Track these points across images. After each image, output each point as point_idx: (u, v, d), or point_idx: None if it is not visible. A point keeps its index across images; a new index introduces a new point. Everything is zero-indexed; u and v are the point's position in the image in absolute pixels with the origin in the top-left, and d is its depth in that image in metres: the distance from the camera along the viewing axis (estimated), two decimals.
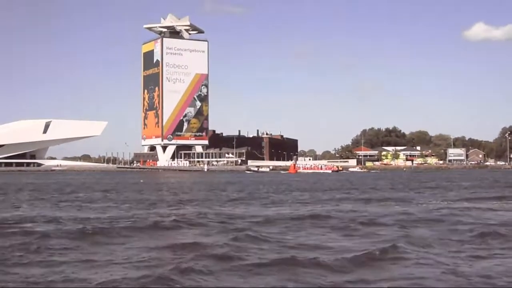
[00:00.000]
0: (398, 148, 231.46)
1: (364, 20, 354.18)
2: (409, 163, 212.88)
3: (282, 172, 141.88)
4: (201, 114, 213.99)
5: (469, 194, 36.74)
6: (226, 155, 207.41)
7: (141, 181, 71.80)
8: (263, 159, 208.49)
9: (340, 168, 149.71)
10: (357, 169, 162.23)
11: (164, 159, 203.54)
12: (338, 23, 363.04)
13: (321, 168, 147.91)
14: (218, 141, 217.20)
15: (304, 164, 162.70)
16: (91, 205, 28.24)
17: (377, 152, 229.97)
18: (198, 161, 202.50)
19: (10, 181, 72.15)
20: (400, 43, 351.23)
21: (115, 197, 35.81)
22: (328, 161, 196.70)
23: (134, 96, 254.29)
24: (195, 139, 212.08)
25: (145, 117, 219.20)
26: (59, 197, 35.99)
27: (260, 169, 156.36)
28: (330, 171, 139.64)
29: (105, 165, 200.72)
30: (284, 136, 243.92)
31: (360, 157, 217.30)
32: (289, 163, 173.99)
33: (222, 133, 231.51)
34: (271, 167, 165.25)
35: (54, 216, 21.54)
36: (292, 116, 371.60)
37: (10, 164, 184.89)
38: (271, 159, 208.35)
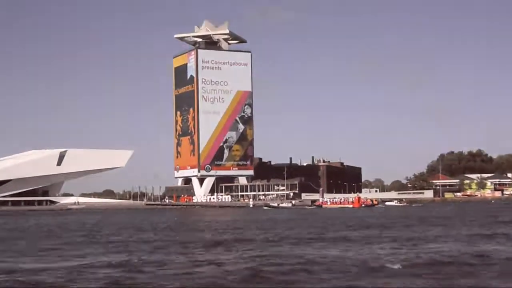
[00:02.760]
0: (485, 175, 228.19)
1: (439, 29, 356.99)
2: (498, 193, 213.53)
3: (308, 207, 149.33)
4: (244, 140, 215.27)
5: None
6: (276, 187, 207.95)
7: (176, 219, 75.23)
8: (319, 191, 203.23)
9: (375, 202, 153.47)
10: (394, 203, 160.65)
11: (201, 194, 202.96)
12: (410, 29, 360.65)
13: (350, 203, 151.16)
14: (266, 171, 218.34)
15: (331, 198, 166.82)
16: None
17: (458, 180, 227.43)
18: (242, 196, 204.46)
19: (13, 224, 71.74)
20: (481, 55, 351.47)
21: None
22: (398, 193, 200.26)
23: (165, 120, 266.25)
24: (238, 169, 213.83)
25: (178, 144, 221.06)
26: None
27: (281, 205, 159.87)
28: (357, 207, 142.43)
29: (131, 201, 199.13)
30: (345, 164, 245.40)
31: (438, 187, 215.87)
32: (351, 195, 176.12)
33: (270, 162, 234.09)
34: (294, 202, 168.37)
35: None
36: (354, 140, 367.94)
37: (18, 203, 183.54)
38: (329, 191, 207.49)
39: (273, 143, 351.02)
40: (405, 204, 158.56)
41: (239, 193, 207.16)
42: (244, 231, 48.24)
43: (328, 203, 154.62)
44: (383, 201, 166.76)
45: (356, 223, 59.14)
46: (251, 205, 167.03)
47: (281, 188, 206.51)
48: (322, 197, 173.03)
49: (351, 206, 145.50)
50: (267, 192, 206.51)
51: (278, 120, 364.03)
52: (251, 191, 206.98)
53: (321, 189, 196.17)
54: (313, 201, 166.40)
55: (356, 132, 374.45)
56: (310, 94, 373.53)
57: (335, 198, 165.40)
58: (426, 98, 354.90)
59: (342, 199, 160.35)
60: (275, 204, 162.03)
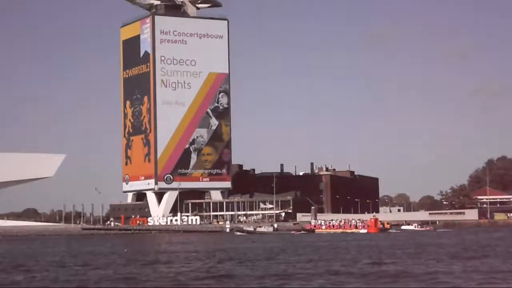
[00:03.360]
0: None
1: None
2: None
3: (295, 233, 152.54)
4: (219, 140, 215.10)
5: None
6: (261, 205, 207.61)
7: (125, 250, 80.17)
8: (322, 209, 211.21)
9: (387, 226, 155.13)
10: (414, 226, 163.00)
11: (159, 214, 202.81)
12: None
13: (357, 227, 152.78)
14: (248, 183, 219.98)
15: (328, 220, 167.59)
16: None
17: None
18: (216, 217, 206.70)
19: None
20: None
21: None
22: (430, 213, 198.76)
23: (109, 113, 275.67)
24: (210, 180, 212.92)
25: (128, 146, 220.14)
26: None
27: (259, 229, 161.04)
28: (374, 232, 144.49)
29: (62, 225, 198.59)
30: (356, 173, 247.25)
31: (485, 205, 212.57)
32: (365, 216, 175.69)
33: (253, 170, 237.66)
34: (275, 226, 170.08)
35: None
36: (367, 143, 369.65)
37: None
38: (334, 210, 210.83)
39: (258, 145, 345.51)
40: (428, 228, 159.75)
41: (211, 213, 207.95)
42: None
43: (323, 227, 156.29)
44: (399, 224, 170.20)
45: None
46: (227, 229, 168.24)
47: (269, 206, 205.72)
48: (315, 218, 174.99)
49: (354, 230, 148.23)
50: (249, 212, 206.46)
51: (265, 114, 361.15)
52: (227, 210, 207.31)
53: (312, 207, 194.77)
54: (294, 229, 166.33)
55: (371, 131, 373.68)
56: (309, 79, 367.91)
57: (332, 220, 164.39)
58: (468, 82, 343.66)
59: (343, 222, 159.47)
60: (251, 228, 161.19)
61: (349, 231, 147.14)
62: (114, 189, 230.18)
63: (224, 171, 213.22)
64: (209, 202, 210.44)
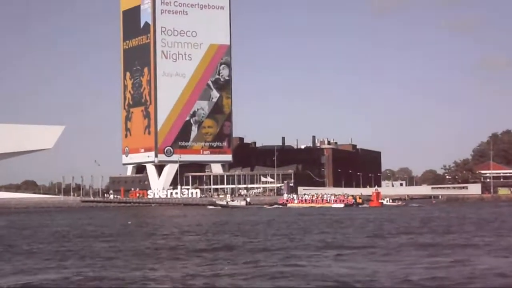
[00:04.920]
0: None
1: None
2: None
3: (267, 207, 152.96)
4: (220, 112, 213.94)
5: None
6: (262, 178, 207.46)
7: (129, 223, 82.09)
8: (323, 183, 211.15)
9: (359, 201, 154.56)
10: (385, 201, 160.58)
11: (159, 187, 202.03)
12: None
13: (329, 201, 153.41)
14: (249, 156, 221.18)
15: (303, 194, 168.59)
16: None
17: None
18: (216, 190, 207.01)
19: None
20: None
21: None
22: (432, 187, 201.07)
23: (109, 84, 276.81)
24: (211, 153, 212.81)
25: (128, 118, 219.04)
26: None
27: (231, 203, 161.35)
28: (342, 205, 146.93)
29: (61, 197, 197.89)
30: (359, 147, 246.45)
31: (488, 179, 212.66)
32: (367, 190, 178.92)
33: (254, 143, 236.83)
34: (248, 200, 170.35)
35: None
36: (370, 115, 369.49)
37: None
38: (336, 183, 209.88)
39: (259, 118, 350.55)
40: (400, 203, 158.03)
41: (212, 187, 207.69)
42: None
43: (296, 201, 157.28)
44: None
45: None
46: (228, 203, 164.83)
47: (270, 180, 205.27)
48: (288, 192, 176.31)
49: (326, 205, 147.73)
50: (250, 185, 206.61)
51: (267, 86, 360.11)
52: (228, 183, 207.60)
53: (286, 182, 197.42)
54: (268, 203, 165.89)
55: (374, 103, 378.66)
56: (311, 50, 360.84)
57: (305, 195, 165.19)
58: (474, 55, 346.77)
59: (315, 196, 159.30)
60: (224, 202, 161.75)
61: (319, 205, 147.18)
62: (113, 161, 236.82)
63: (225, 144, 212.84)
64: (210, 175, 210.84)
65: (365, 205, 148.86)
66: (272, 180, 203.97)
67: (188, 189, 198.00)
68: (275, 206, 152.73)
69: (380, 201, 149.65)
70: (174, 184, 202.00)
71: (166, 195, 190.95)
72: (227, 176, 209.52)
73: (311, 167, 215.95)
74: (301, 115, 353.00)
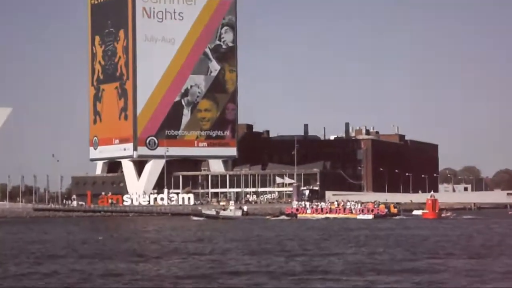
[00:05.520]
0: None
1: None
2: None
3: (272, 218, 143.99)
4: (221, 90, 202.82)
5: None
6: (278, 179, 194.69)
7: (100, 238, 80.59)
8: (360, 186, 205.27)
9: (394, 210, 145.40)
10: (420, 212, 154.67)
11: (139, 190, 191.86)
12: None
13: (353, 211, 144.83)
14: (260, 150, 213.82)
15: (329, 202, 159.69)
16: None
17: None
18: (216, 195, 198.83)
19: None
20: None
21: None
22: (508, 193, 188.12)
23: (72, 53, 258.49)
24: (209, 145, 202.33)
25: (97, 98, 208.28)
26: None
27: (223, 213, 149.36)
28: (370, 216, 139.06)
29: (6, 204, 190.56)
30: (408, 138, 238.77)
31: None
32: (419, 196, 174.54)
33: (267, 132, 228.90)
34: (245, 209, 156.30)
35: None
36: (422, 96, 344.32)
37: None
38: (378, 186, 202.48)
39: (274, 100, 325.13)
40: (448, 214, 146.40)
41: (210, 190, 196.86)
42: None
43: (309, 211, 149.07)
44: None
45: None
46: (231, 213, 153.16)
47: (288, 181, 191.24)
48: (298, 200, 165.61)
49: (350, 216, 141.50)
50: (261, 189, 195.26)
51: (284, 55, 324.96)
52: (232, 186, 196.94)
53: (294, 184, 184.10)
54: (272, 214, 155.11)
55: (425, 85, 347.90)
56: (338, 12, 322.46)
57: (318, 204, 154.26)
58: None
59: (336, 204, 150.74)
60: (212, 212, 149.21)
61: (340, 215, 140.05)
62: (77, 156, 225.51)
63: (227, 133, 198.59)
64: (207, 175, 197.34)
65: (402, 216, 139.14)
66: (292, 181, 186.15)
67: (178, 193, 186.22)
68: (282, 217, 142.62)
69: (437, 211, 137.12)
70: (159, 187, 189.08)
71: (149, 201, 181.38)
72: (230, 176, 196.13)
73: (344, 165, 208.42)
74: (330, 96, 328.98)
